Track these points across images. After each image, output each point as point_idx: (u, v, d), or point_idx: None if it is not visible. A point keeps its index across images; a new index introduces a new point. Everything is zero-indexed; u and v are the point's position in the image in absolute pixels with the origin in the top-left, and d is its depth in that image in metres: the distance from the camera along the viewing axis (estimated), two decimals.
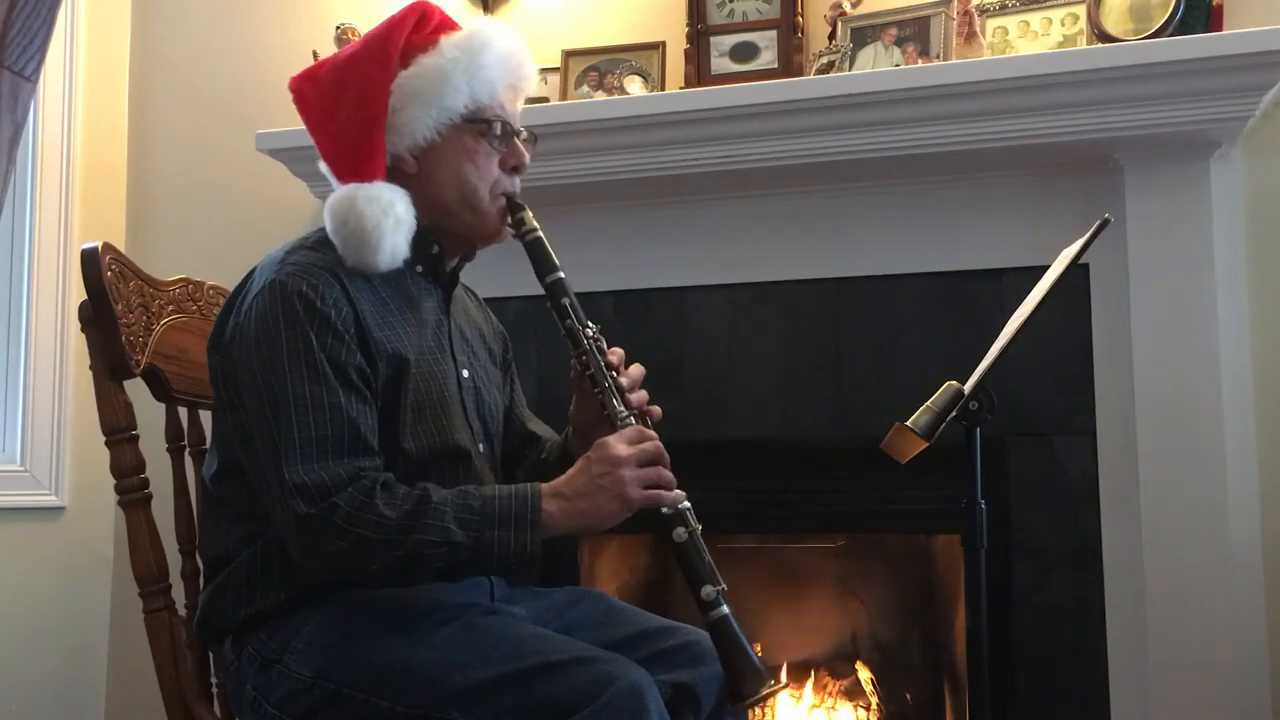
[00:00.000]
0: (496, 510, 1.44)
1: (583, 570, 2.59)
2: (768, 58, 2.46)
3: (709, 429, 2.39)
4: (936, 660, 2.66)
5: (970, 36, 2.26)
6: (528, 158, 1.65)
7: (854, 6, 2.40)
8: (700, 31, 2.49)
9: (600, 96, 2.51)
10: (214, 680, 1.70)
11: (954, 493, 1.61)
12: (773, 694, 1.45)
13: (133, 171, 2.92)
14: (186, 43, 2.91)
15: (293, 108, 1.65)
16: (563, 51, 2.59)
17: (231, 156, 2.79)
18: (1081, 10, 2.23)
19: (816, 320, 2.37)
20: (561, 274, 1.61)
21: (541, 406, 1.93)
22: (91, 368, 1.71)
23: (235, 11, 2.88)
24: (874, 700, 2.64)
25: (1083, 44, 2.22)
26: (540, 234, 1.62)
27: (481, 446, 1.65)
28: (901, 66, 2.29)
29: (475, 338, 1.74)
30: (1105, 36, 2.17)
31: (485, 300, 1.89)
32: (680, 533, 1.48)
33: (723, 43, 2.48)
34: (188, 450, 1.83)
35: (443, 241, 1.64)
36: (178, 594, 1.72)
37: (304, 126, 1.64)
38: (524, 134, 1.65)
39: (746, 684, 1.43)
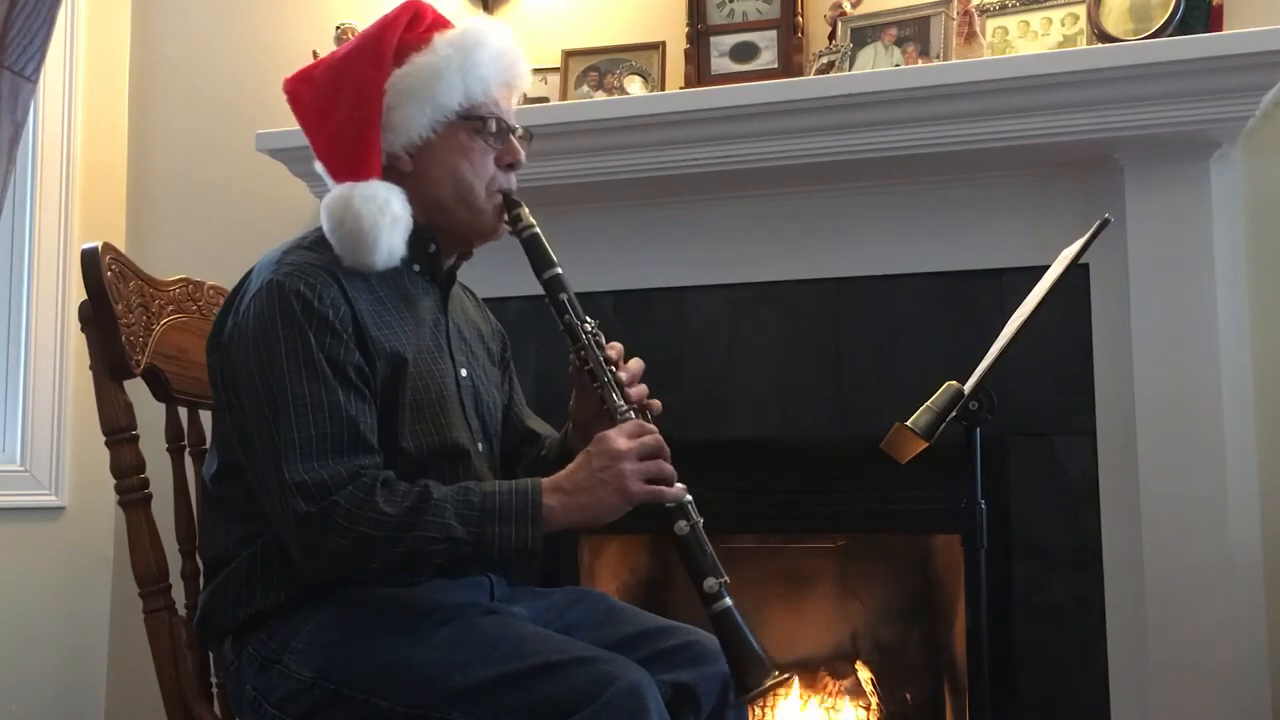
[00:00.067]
0: (497, 505, 1.44)
1: (583, 570, 2.59)
2: (768, 58, 2.46)
3: (709, 429, 2.39)
4: (936, 660, 2.66)
5: (970, 36, 2.26)
6: (523, 155, 1.65)
7: (854, 6, 2.40)
8: (700, 31, 2.49)
9: (600, 96, 2.51)
10: (214, 680, 1.70)
11: (954, 493, 1.61)
12: (778, 685, 1.45)
13: (133, 171, 2.92)
14: (186, 43, 2.91)
15: None
16: (563, 51, 2.59)
17: (231, 156, 2.79)
18: (1081, 10, 2.23)
19: (816, 320, 2.37)
20: (559, 269, 1.61)
21: (541, 405, 1.93)
22: (91, 368, 1.71)
23: (235, 11, 2.88)
24: (874, 700, 2.64)
25: (1083, 44, 2.22)
26: (537, 230, 1.62)
27: (480, 445, 1.65)
28: (901, 66, 2.29)
29: (473, 337, 1.74)
30: (1105, 36, 2.17)
31: (485, 300, 1.89)
32: (682, 525, 1.48)
33: (723, 43, 2.48)
34: (188, 450, 1.83)
35: (440, 240, 1.64)
36: (178, 594, 1.72)
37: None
38: (519, 131, 1.65)
39: (751, 675, 1.43)
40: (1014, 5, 2.30)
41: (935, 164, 2.24)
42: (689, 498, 1.50)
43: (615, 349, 1.60)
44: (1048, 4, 2.27)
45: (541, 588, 1.75)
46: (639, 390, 1.59)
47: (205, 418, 1.73)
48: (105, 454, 1.71)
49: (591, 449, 1.48)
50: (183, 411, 1.84)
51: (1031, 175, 2.25)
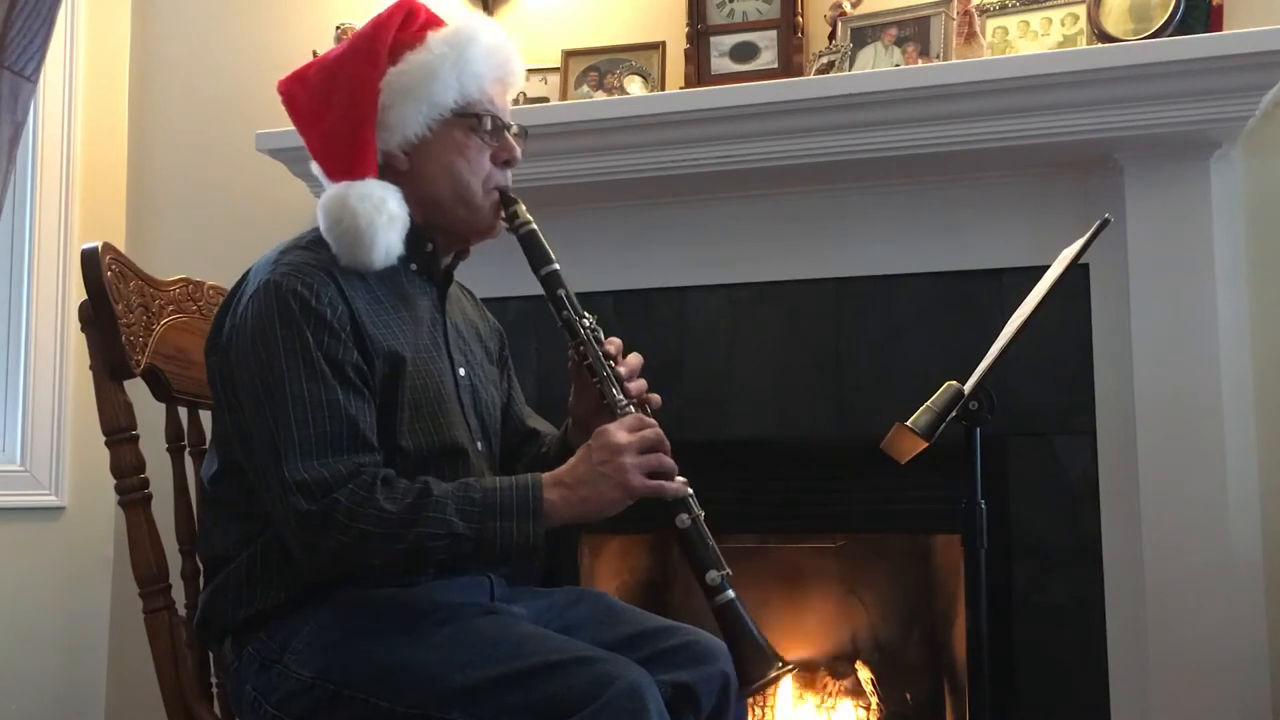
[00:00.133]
0: (498, 501, 1.44)
1: (583, 570, 2.59)
2: (768, 58, 2.46)
3: (709, 429, 2.39)
4: (936, 660, 2.66)
5: (970, 36, 2.26)
6: (519, 151, 1.65)
7: (854, 6, 2.40)
8: (700, 31, 2.49)
9: (600, 96, 2.51)
10: (214, 680, 1.70)
11: (954, 493, 1.61)
12: (781, 676, 1.44)
13: (133, 171, 2.92)
14: (186, 43, 2.91)
15: None
16: (563, 51, 2.59)
17: (231, 156, 2.79)
18: (1081, 10, 2.23)
19: (816, 320, 2.37)
20: (556, 266, 1.61)
21: (541, 405, 1.93)
22: (91, 368, 1.71)
23: (235, 11, 2.88)
24: (874, 700, 2.64)
25: (1083, 44, 2.22)
26: (534, 227, 1.62)
27: (479, 444, 1.65)
28: (901, 66, 2.29)
29: (471, 335, 1.74)
30: (1105, 36, 2.17)
31: (485, 300, 1.89)
32: (683, 519, 1.48)
33: (723, 43, 2.48)
34: (188, 450, 1.83)
35: (437, 239, 1.64)
36: (178, 594, 1.72)
37: None
38: (514, 128, 1.65)
39: (755, 667, 1.43)
40: (1014, 5, 2.30)
41: (935, 164, 2.24)
42: (690, 491, 1.50)
43: (614, 344, 1.60)
44: (1048, 4, 2.27)
45: (541, 588, 1.75)
46: (638, 385, 1.59)
47: (205, 418, 1.73)
48: (105, 454, 1.71)
49: (592, 443, 1.48)
50: (183, 411, 1.84)
51: (1031, 175, 2.25)
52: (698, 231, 2.43)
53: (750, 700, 2.44)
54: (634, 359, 1.62)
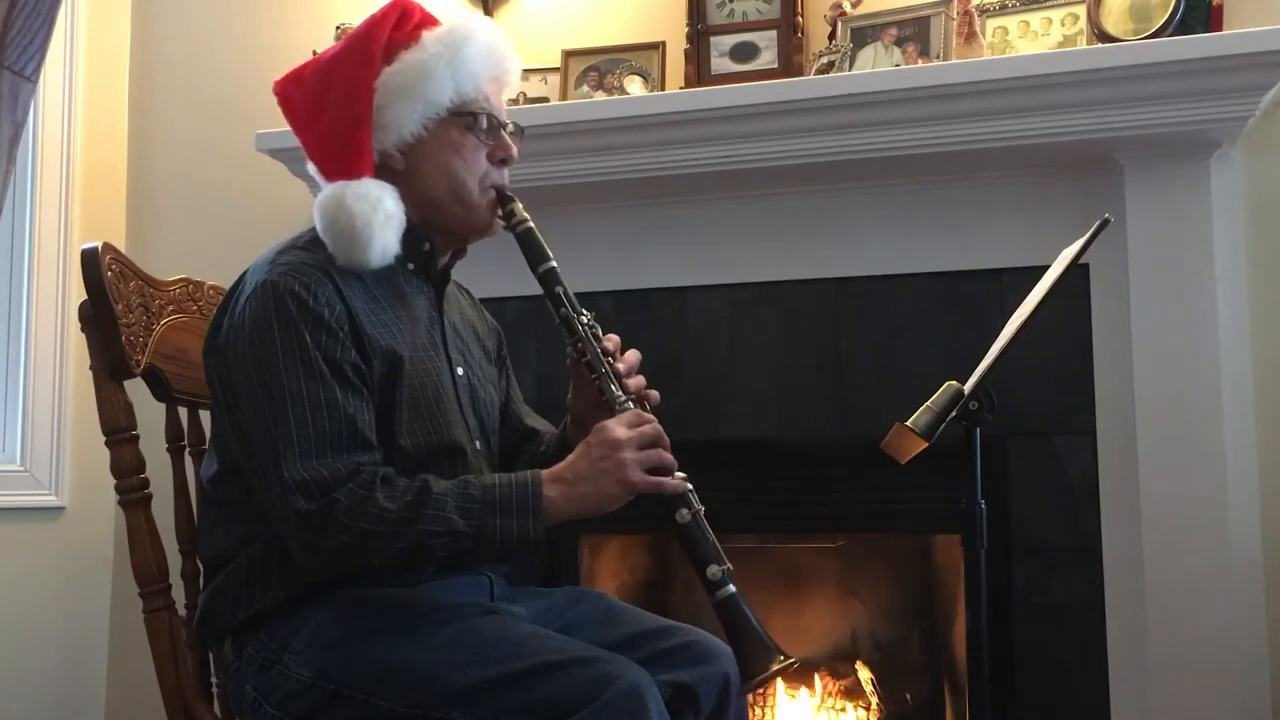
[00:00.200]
0: (498, 498, 1.44)
1: (583, 570, 2.59)
2: (768, 58, 2.46)
3: (709, 429, 2.39)
4: (936, 660, 2.66)
5: (970, 36, 2.26)
6: (515, 150, 1.65)
7: (854, 6, 2.40)
8: (700, 31, 2.49)
9: (600, 96, 2.51)
10: (214, 680, 1.70)
11: (954, 493, 1.61)
12: (784, 670, 1.44)
13: (133, 171, 2.92)
14: (186, 43, 2.91)
15: None
16: (563, 51, 2.59)
17: (231, 156, 2.79)
18: (1081, 10, 2.23)
19: (816, 320, 2.37)
20: (554, 263, 1.61)
21: (541, 406, 1.93)
22: (91, 368, 1.71)
23: (235, 11, 2.88)
24: (874, 700, 2.64)
25: (1083, 44, 2.22)
26: (531, 224, 1.62)
27: (478, 443, 1.65)
28: (901, 66, 2.29)
29: (469, 335, 1.75)
30: (1105, 36, 2.17)
31: (484, 300, 1.89)
32: (683, 514, 1.48)
33: (723, 43, 2.48)
34: (188, 450, 1.83)
35: (434, 238, 1.64)
36: (178, 594, 1.72)
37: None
38: (510, 126, 1.65)
39: (757, 661, 1.43)
40: (1014, 5, 2.30)
41: (935, 164, 2.24)
42: (689, 486, 1.50)
43: (612, 340, 1.61)
44: (1048, 4, 2.27)
45: (541, 588, 1.75)
46: (637, 381, 1.59)
47: (205, 418, 1.73)
48: (105, 454, 1.71)
49: (591, 439, 1.49)
50: (183, 411, 1.84)
51: (1031, 175, 2.25)
52: (698, 231, 2.43)
53: (751, 701, 2.44)
54: (632, 355, 1.62)
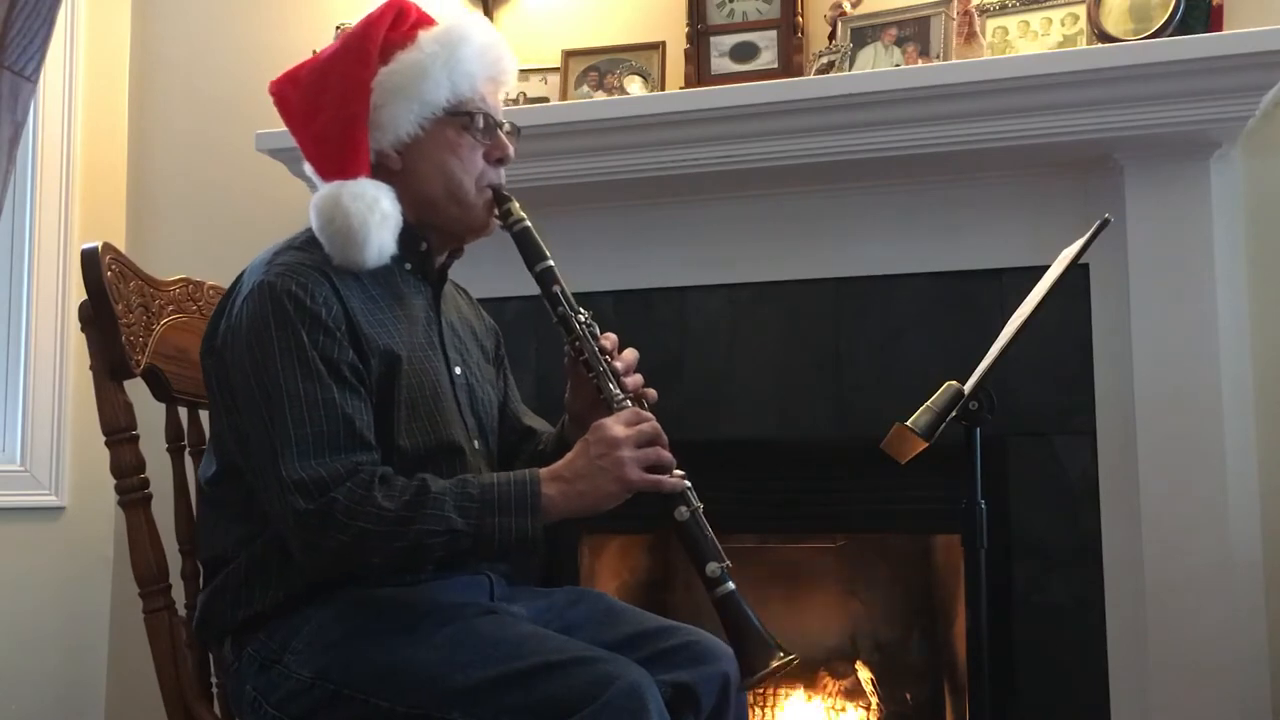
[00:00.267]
0: (496, 497, 1.44)
1: (583, 570, 2.59)
2: (768, 58, 2.46)
3: (709, 429, 2.39)
4: (936, 660, 2.66)
5: (970, 36, 2.26)
6: (512, 149, 1.65)
7: (854, 6, 2.40)
8: (700, 31, 2.49)
9: (600, 96, 2.51)
10: (214, 680, 1.70)
11: (954, 493, 1.61)
12: (784, 667, 1.44)
13: (133, 171, 2.92)
14: (186, 43, 2.91)
15: None
16: (563, 51, 2.59)
17: (231, 156, 2.79)
18: (1081, 10, 2.23)
19: (816, 320, 2.37)
20: (551, 262, 1.61)
21: (541, 406, 1.93)
22: (91, 368, 1.71)
23: (235, 11, 2.88)
24: (874, 700, 2.64)
25: (1083, 44, 2.22)
26: (528, 224, 1.63)
27: (476, 443, 1.65)
28: (901, 66, 2.29)
29: (467, 334, 1.75)
30: (1105, 36, 2.17)
31: (484, 300, 1.89)
32: (682, 511, 1.49)
33: (723, 43, 2.48)
34: (188, 450, 1.83)
35: (431, 238, 1.64)
36: (178, 594, 1.72)
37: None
38: (507, 126, 1.65)
39: (757, 658, 1.43)
40: (1014, 5, 2.30)
41: (935, 164, 2.24)
42: (688, 484, 1.50)
43: (610, 339, 1.61)
44: (1048, 4, 2.27)
45: (541, 588, 1.75)
46: (635, 379, 1.59)
47: (205, 418, 1.72)
48: (105, 454, 1.71)
49: (589, 437, 1.49)
50: (183, 411, 1.84)
51: (1031, 175, 2.25)
52: (698, 231, 2.43)
53: (751, 701, 2.44)
54: (629, 354, 1.62)
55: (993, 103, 2.13)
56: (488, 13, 2.62)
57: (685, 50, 2.50)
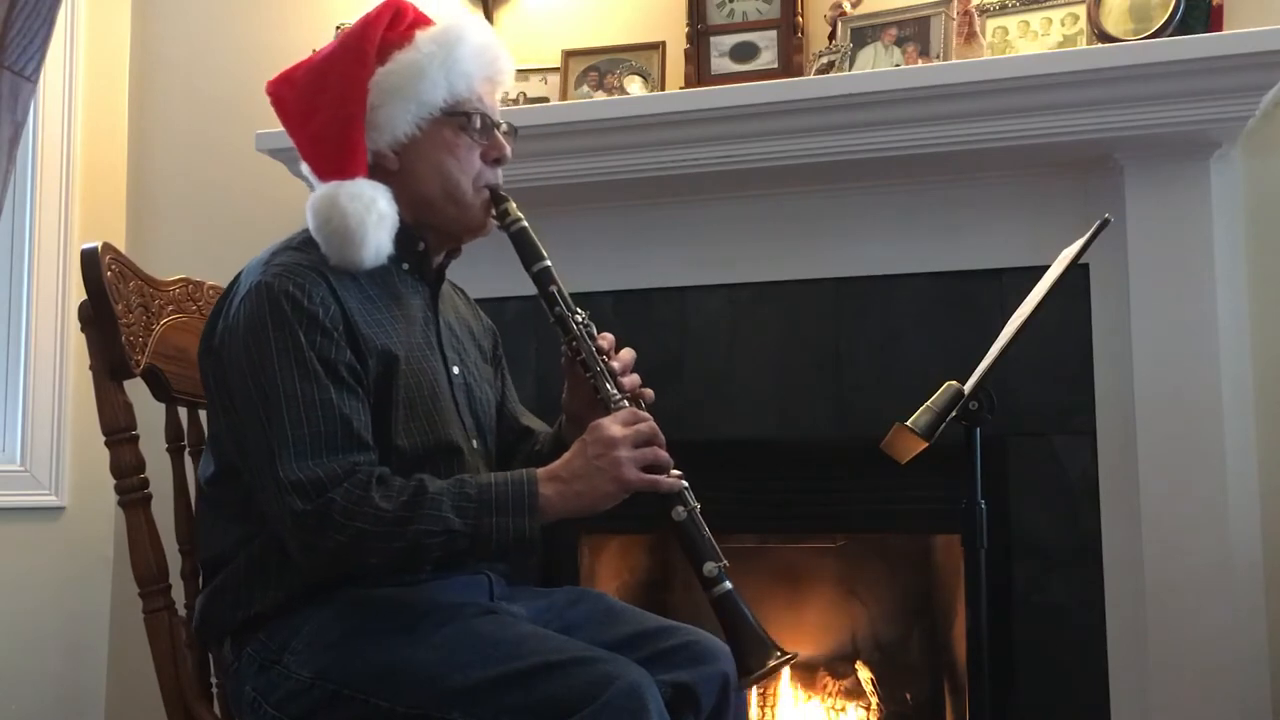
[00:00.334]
0: (494, 497, 1.44)
1: (583, 570, 2.59)
2: (768, 58, 2.46)
3: (709, 429, 2.39)
4: (936, 660, 2.66)
5: (970, 36, 2.26)
6: (509, 149, 1.65)
7: (854, 6, 2.40)
8: (700, 31, 2.49)
9: (600, 96, 2.51)
10: (214, 680, 1.70)
11: (954, 493, 1.61)
12: (782, 666, 1.44)
13: (133, 171, 2.92)
14: (186, 43, 2.91)
15: None
16: (563, 51, 2.59)
17: (231, 156, 2.79)
18: (1081, 10, 2.23)
19: (816, 320, 2.37)
20: (548, 262, 1.62)
21: (540, 407, 1.93)
22: (91, 368, 1.71)
23: (235, 11, 2.88)
24: (874, 700, 2.64)
25: (1083, 44, 2.22)
26: (525, 224, 1.63)
27: (475, 442, 1.65)
28: (901, 66, 2.29)
29: (464, 334, 1.75)
30: (1105, 36, 2.17)
31: (483, 300, 1.89)
32: (679, 511, 1.49)
33: (723, 43, 2.48)
34: (187, 450, 1.83)
35: (428, 238, 1.64)
36: (178, 594, 1.72)
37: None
38: (504, 126, 1.65)
39: (754, 657, 1.43)
40: (1014, 5, 2.30)
41: (935, 164, 2.24)
42: (685, 484, 1.50)
43: (606, 339, 1.61)
44: (1048, 4, 2.27)
45: (541, 588, 1.75)
46: (632, 379, 1.59)
47: (205, 418, 1.72)
48: (105, 454, 1.71)
49: (587, 437, 1.49)
50: (182, 411, 1.84)
51: (1031, 175, 2.25)
52: (698, 231, 2.43)
53: (751, 701, 2.44)
54: (626, 354, 1.62)
55: (993, 103, 2.13)
56: (488, 13, 2.62)
57: (685, 50, 2.50)
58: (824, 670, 2.70)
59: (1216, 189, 2.14)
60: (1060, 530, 2.21)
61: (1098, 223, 1.57)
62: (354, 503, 1.41)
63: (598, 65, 2.56)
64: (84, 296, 1.69)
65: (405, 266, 1.64)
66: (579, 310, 1.60)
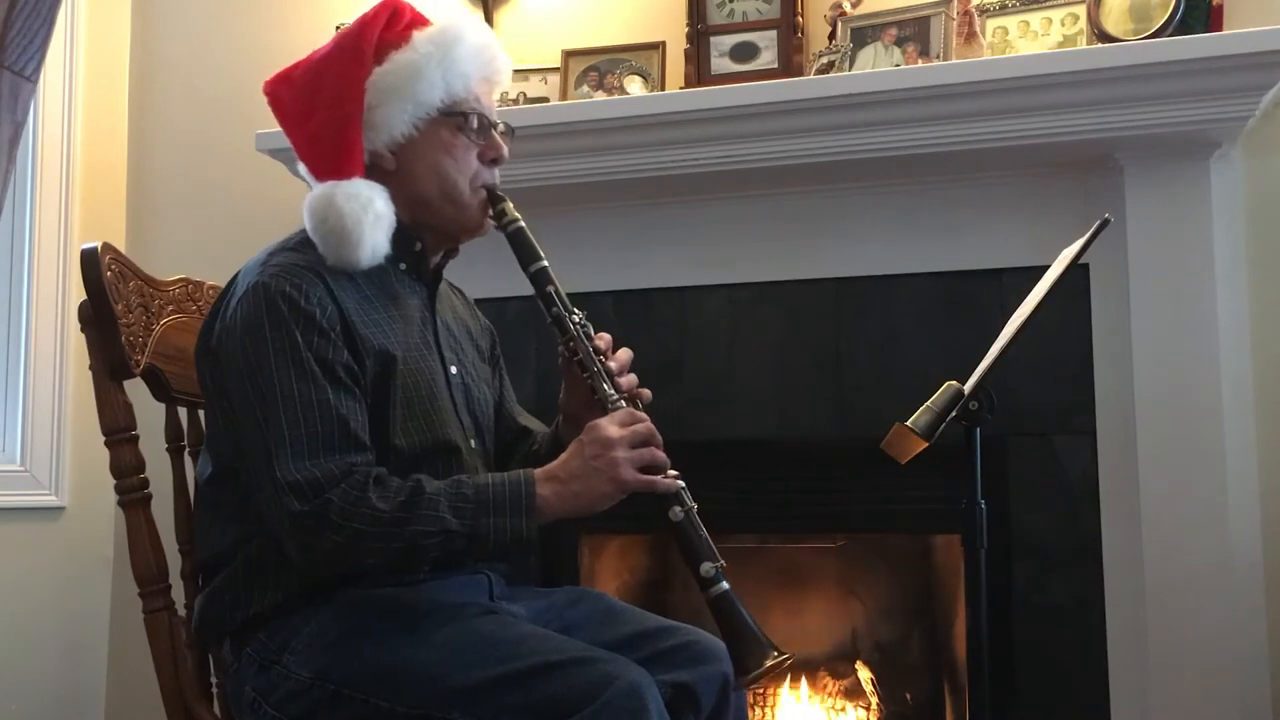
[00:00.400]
0: (491, 497, 1.44)
1: (583, 570, 2.59)
2: (768, 58, 2.46)
3: (709, 429, 2.39)
4: (936, 660, 2.66)
5: (970, 36, 2.26)
6: (506, 150, 1.65)
7: (854, 6, 2.40)
8: (700, 31, 2.49)
9: (600, 96, 2.51)
10: (214, 680, 1.70)
11: (954, 493, 1.61)
12: (779, 665, 1.44)
13: (133, 171, 2.92)
14: (186, 43, 2.91)
15: None
16: (563, 51, 2.59)
17: (231, 156, 2.79)
18: (1081, 10, 2.23)
19: (816, 320, 2.37)
20: (545, 263, 1.62)
21: (540, 407, 1.93)
22: (91, 368, 1.71)
23: (235, 11, 2.88)
24: (874, 700, 2.64)
25: (1083, 44, 2.22)
26: (522, 224, 1.63)
27: (473, 442, 1.65)
28: (901, 66, 2.29)
29: (462, 334, 1.75)
30: (1105, 36, 2.17)
31: (483, 300, 1.89)
32: (676, 511, 1.49)
33: (723, 43, 2.48)
34: (187, 450, 1.83)
35: (425, 238, 1.64)
36: (178, 594, 1.72)
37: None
38: (501, 126, 1.65)
39: (751, 658, 1.43)
40: (1014, 5, 2.30)
41: (935, 164, 2.24)
42: (682, 484, 1.50)
43: (604, 339, 1.61)
44: (1048, 4, 2.27)
45: (541, 588, 1.75)
46: (629, 379, 1.60)
47: (204, 418, 1.73)
48: (105, 454, 1.71)
49: (584, 437, 1.49)
50: (182, 411, 1.84)
51: (1031, 175, 2.25)
52: (698, 231, 2.43)
53: (751, 701, 2.44)
54: (624, 354, 1.62)
55: (993, 103, 2.13)
56: (487, 13, 2.62)
57: (685, 50, 2.50)
58: (824, 670, 2.70)
59: (1216, 189, 2.14)
60: (1060, 530, 2.21)
61: (1098, 223, 1.57)
62: (351, 503, 1.41)
63: (598, 65, 2.56)
64: (84, 296, 1.69)
65: (402, 266, 1.64)
66: (576, 310, 1.60)
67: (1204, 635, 2.07)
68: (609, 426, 1.48)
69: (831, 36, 2.41)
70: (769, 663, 1.43)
